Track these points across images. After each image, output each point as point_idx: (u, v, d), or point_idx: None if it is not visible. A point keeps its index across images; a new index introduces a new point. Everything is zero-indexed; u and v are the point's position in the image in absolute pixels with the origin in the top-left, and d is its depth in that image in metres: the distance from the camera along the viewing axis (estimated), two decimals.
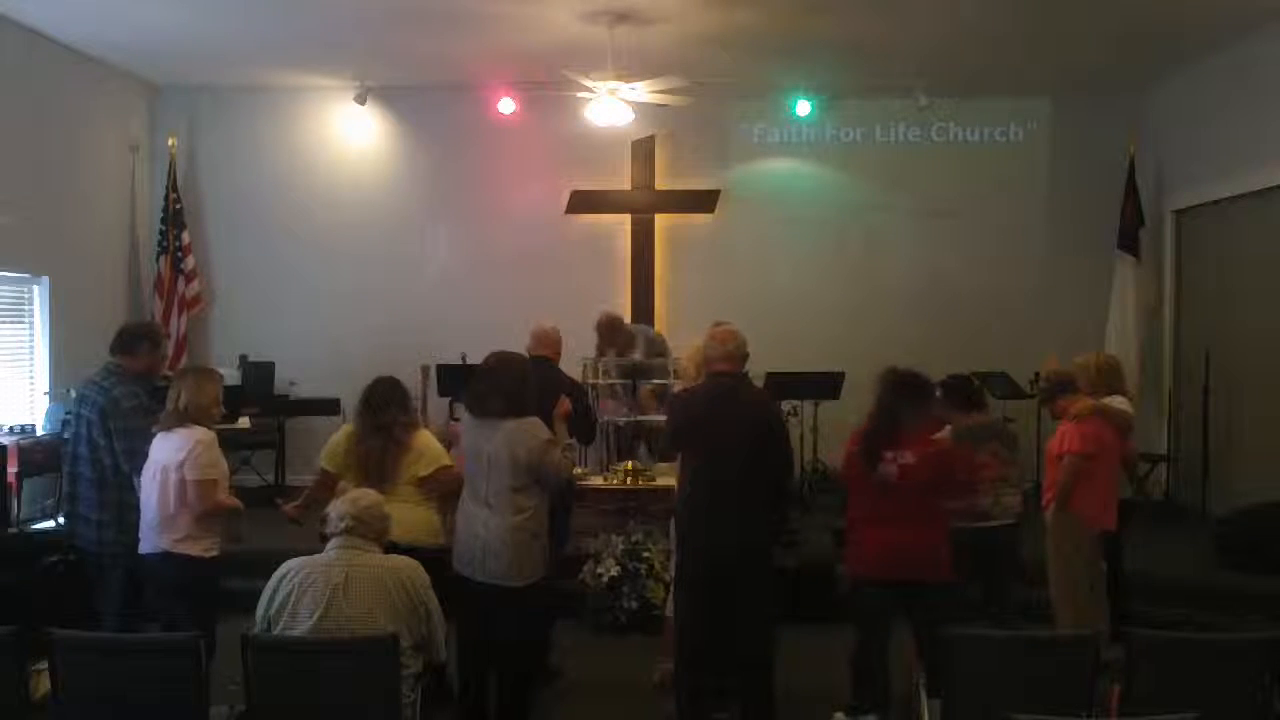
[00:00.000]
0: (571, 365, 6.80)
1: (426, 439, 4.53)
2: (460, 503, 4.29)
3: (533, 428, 4.22)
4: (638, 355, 7.46)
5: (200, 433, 4.26)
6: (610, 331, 7.35)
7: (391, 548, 3.85)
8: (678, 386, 5.22)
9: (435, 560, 4.23)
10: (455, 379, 7.62)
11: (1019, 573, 5.22)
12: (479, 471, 4.20)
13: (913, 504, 4.28)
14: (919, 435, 4.34)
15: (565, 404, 4.68)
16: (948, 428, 4.89)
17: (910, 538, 4.24)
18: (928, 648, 4.07)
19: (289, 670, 3.28)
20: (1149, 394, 8.22)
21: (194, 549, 4.23)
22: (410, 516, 4.32)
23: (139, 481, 4.44)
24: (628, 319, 8.71)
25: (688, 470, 4.37)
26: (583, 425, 5.29)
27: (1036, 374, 5.42)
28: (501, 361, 4.37)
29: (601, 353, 7.32)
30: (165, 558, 4.22)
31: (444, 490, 4.48)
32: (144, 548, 4.31)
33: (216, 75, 8.60)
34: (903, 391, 4.43)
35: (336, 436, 4.61)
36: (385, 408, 4.45)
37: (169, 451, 4.23)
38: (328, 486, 4.40)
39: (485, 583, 4.13)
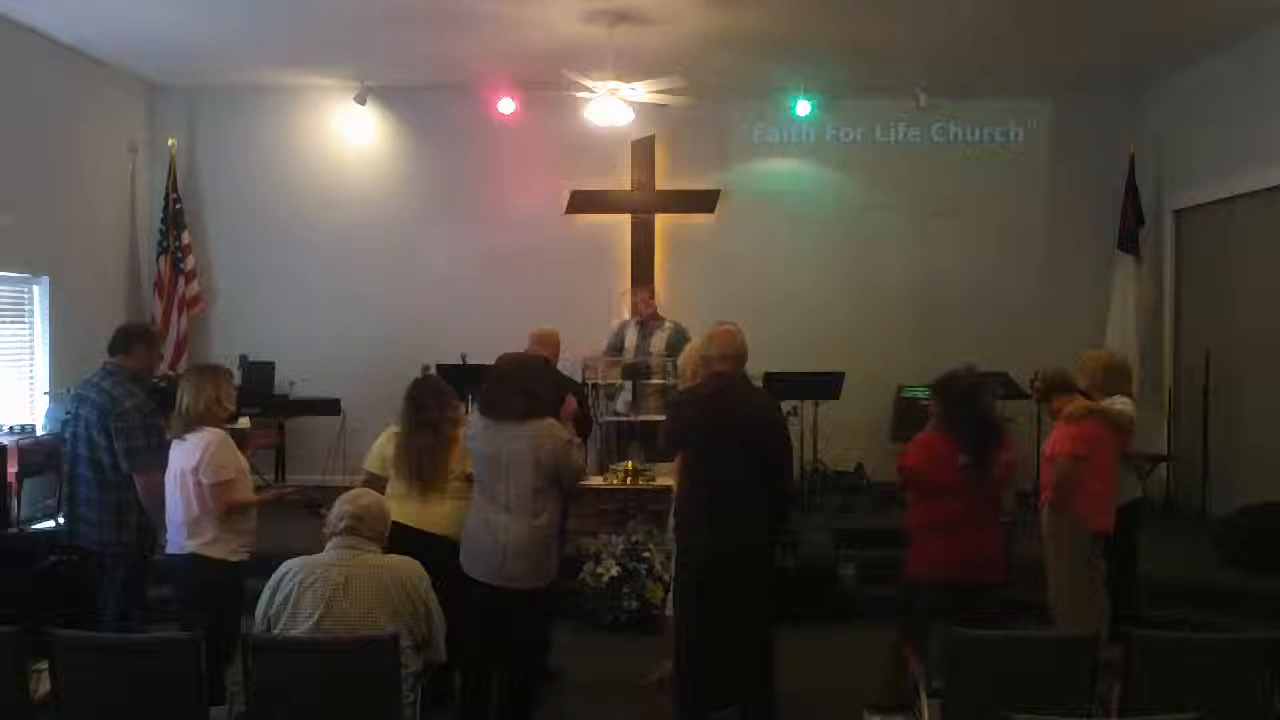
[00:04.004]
0: (572, 367, 6.83)
1: None
2: (475, 508, 4.26)
3: (554, 428, 4.25)
4: (663, 335, 7.58)
5: (210, 434, 4.28)
6: (643, 300, 7.69)
7: (441, 543, 3.96)
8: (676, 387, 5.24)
9: None
10: (455, 379, 7.60)
11: (1014, 572, 5.20)
12: (495, 475, 4.18)
13: (994, 503, 4.31)
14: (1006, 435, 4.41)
15: (571, 403, 4.72)
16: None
17: (988, 539, 4.25)
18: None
19: (289, 670, 3.28)
20: (1149, 394, 8.22)
21: (219, 551, 4.24)
22: (461, 513, 4.34)
23: (139, 480, 4.46)
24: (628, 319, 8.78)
25: (689, 470, 4.36)
26: (582, 424, 5.34)
27: (1036, 373, 5.42)
28: (518, 363, 4.41)
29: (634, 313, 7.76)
30: (192, 560, 4.23)
31: None
32: (171, 549, 4.33)
33: (216, 75, 8.60)
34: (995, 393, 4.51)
35: (380, 440, 4.64)
36: (431, 405, 4.48)
37: (184, 456, 4.26)
38: (375, 490, 4.38)
39: (501, 586, 4.14)
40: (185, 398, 4.31)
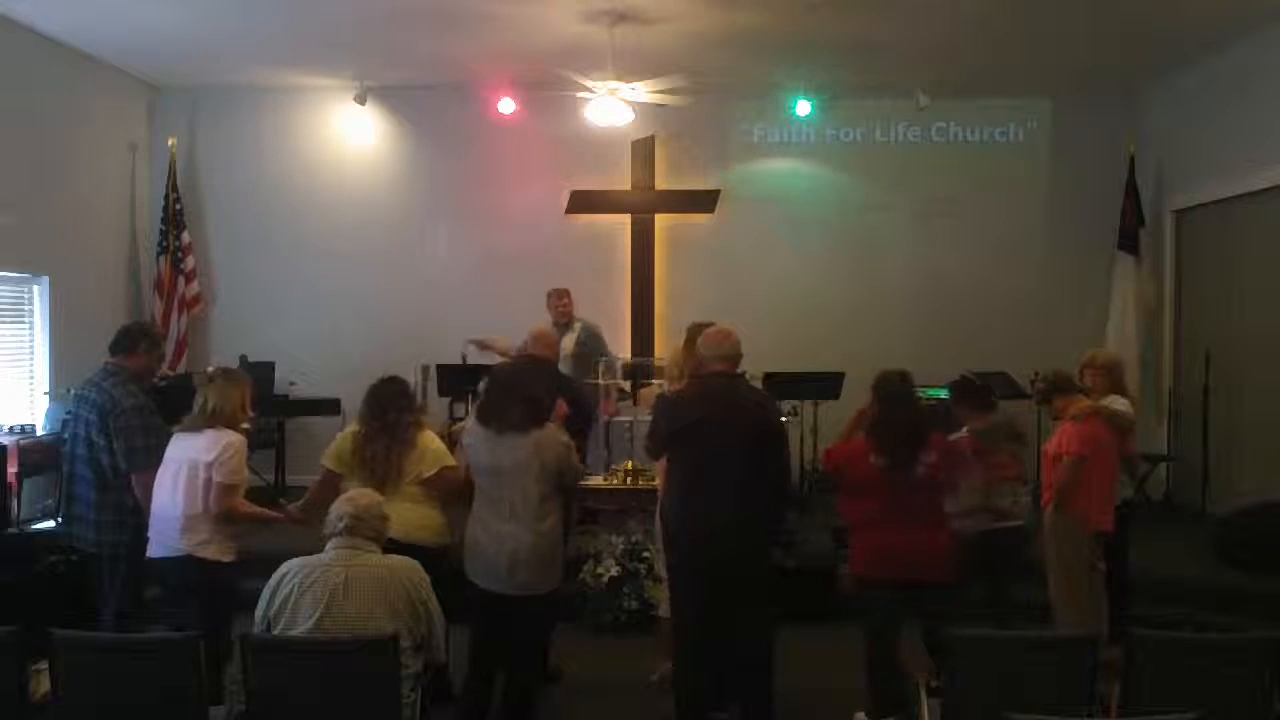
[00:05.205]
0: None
1: (430, 438, 4.54)
2: (478, 517, 4.27)
3: (556, 434, 4.31)
4: (572, 336, 7.44)
5: (232, 436, 4.30)
6: (554, 305, 7.50)
7: (396, 546, 3.86)
8: (666, 387, 5.23)
9: (438, 558, 4.26)
10: (455, 379, 7.63)
11: (1026, 572, 5.22)
12: (499, 483, 4.20)
13: (923, 504, 4.34)
14: (937, 436, 4.47)
15: (563, 407, 4.72)
16: (965, 429, 4.92)
17: (920, 538, 4.27)
18: (934, 648, 4.09)
19: (289, 670, 3.28)
20: (1149, 394, 8.22)
21: (212, 552, 4.23)
22: (415, 516, 4.34)
23: (137, 481, 4.44)
24: (628, 319, 8.79)
25: (684, 471, 4.33)
26: (581, 424, 5.35)
27: (1036, 373, 5.43)
28: (518, 374, 4.48)
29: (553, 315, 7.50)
30: (187, 561, 4.21)
31: (446, 490, 4.50)
32: (159, 551, 4.28)
33: (216, 75, 8.60)
34: (960, 394, 4.73)
35: (341, 437, 4.62)
36: (390, 408, 4.47)
37: (197, 450, 4.24)
38: (331, 486, 4.39)
39: (509, 594, 4.16)
40: (213, 397, 4.32)
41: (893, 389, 4.46)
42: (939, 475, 4.41)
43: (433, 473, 4.43)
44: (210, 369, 4.99)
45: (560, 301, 7.54)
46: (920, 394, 4.75)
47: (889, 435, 4.35)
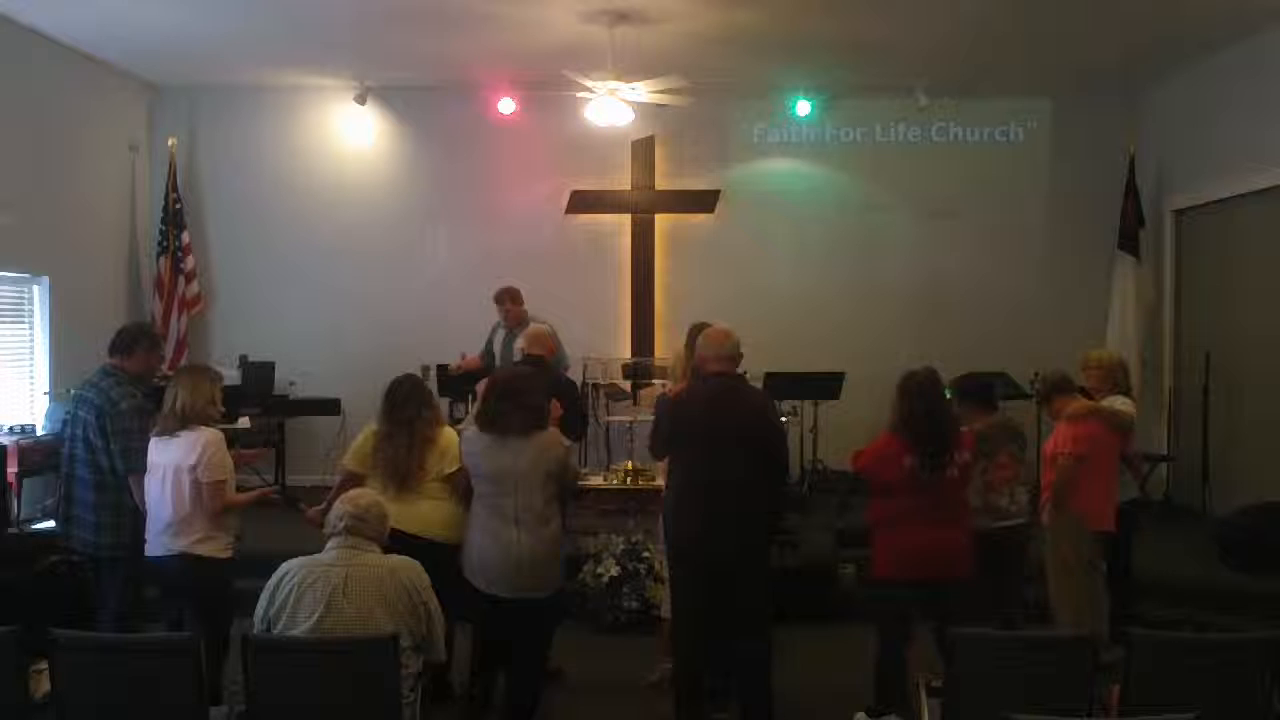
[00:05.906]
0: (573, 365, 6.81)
1: (451, 436, 4.55)
2: (480, 523, 4.27)
3: (556, 438, 4.33)
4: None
5: (209, 434, 4.29)
6: (505, 310, 7.28)
7: (419, 543, 3.93)
8: (667, 388, 5.24)
9: (458, 556, 4.29)
10: (455, 379, 7.64)
11: (1028, 571, 5.22)
12: (503, 489, 4.21)
13: (952, 503, 4.34)
14: (967, 434, 4.49)
15: (556, 407, 4.72)
16: (964, 429, 4.92)
17: (947, 537, 4.27)
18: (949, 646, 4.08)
19: (289, 670, 3.28)
20: (1149, 394, 8.22)
21: (209, 549, 4.24)
22: (438, 513, 4.37)
23: (135, 482, 4.44)
24: (628, 319, 8.78)
25: (684, 471, 4.34)
26: (577, 424, 5.36)
27: (1036, 374, 5.43)
28: (518, 378, 4.48)
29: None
30: (182, 560, 4.21)
31: (467, 488, 4.51)
32: (154, 551, 4.29)
33: (216, 75, 8.60)
34: (964, 394, 4.76)
35: (360, 437, 4.62)
36: (409, 405, 4.48)
37: (178, 454, 4.23)
38: (353, 488, 4.38)
39: (512, 597, 4.17)
40: (181, 395, 4.30)
41: (923, 388, 4.40)
42: (970, 473, 4.42)
43: (454, 469, 4.43)
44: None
45: (499, 303, 7.27)
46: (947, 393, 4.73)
47: (924, 435, 4.29)
